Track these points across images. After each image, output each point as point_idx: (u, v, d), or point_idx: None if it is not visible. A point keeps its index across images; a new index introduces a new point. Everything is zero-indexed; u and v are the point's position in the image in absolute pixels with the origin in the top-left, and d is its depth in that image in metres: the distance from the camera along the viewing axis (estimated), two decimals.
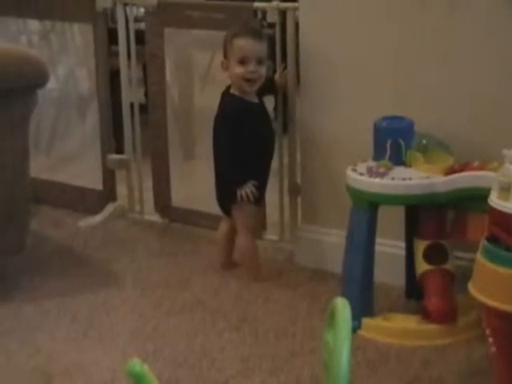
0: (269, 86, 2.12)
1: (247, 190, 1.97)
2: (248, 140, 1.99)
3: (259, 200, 2.05)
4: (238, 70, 1.97)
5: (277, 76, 2.17)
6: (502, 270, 1.34)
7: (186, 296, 1.99)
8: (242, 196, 1.97)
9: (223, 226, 2.12)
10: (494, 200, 1.35)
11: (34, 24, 2.78)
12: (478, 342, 1.70)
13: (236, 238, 2.08)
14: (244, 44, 1.97)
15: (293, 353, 1.72)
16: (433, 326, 1.75)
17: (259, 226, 2.16)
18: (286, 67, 2.15)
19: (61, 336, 1.81)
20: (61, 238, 2.37)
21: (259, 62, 1.97)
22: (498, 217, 1.34)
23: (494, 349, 1.39)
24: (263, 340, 1.78)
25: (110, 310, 1.93)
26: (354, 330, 1.77)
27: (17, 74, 1.93)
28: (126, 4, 2.41)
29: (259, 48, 1.98)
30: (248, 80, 1.98)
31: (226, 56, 2.01)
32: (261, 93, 2.08)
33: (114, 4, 2.41)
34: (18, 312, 1.92)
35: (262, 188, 2.06)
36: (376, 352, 1.72)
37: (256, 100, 2.04)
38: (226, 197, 2.06)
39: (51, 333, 1.82)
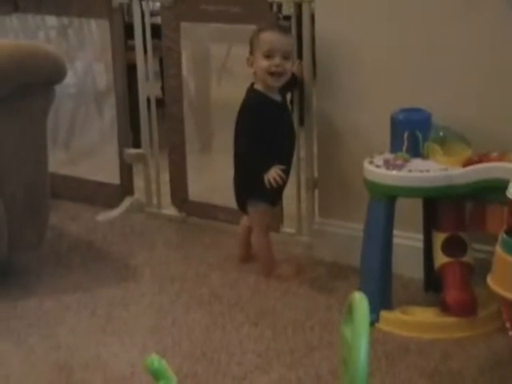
0: (291, 82, 2.11)
1: (274, 174, 1.92)
2: (268, 137, 1.97)
3: (273, 197, 2.04)
4: (264, 63, 1.96)
5: (294, 68, 2.16)
6: None
7: (204, 290, 2.00)
8: (269, 181, 1.92)
9: (245, 221, 2.12)
10: None
11: (51, 20, 2.79)
12: (498, 335, 1.69)
13: (252, 234, 2.08)
14: (270, 37, 1.96)
15: (311, 347, 1.72)
16: (452, 319, 1.74)
17: (274, 224, 2.15)
18: (301, 60, 2.14)
19: (81, 330, 1.83)
20: (79, 233, 2.39)
21: (285, 56, 1.96)
22: None
23: None
24: (281, 334, 1.78)
25: (129, 304, 1.94)
26: (373, 323, 1.76)
27: (35, 70, 1.94)
28: None
29: (285, 42, 1.97)
30: (273, 74, 1.97)
31: (251, 52, 2.00)
32: (284, 89, 2.07)
33: None
34: (38, 306, 1.94)
35: (279, 189, 2.04)
36: (395, 345, 1.71)
37: (279, 98, 2.03)
38: (241, 193, 2.05)
39: (71, 327, 1.84)
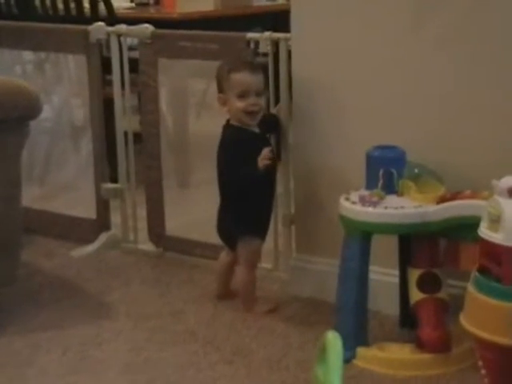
0: (272, 123, 2.11)
1: (264, 155, 1.92)
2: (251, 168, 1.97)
3: (264, 232, 2.05)
4: (239, 104, 1.97)
5: (275, 111, 2.17)
6: (492, 301, 1.33)
7: (179, 327, 1.98)
8: (264, 163, 1.92)
9: (224, 257, 2.10)
10: (484, 231, 1.35)
11: (28, 54, 2.79)
12: (472, 372, 1.67)
13: (237, 270, 2.06)
14: (242, 78, 1.96)
15: None
16: (427, 356, 1.73)
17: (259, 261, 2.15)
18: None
19: (52, 370, 1.79)
20: (53, 269, 2.36)
21: (258, 94, 1.98)
22: (488, 248, 1.33)
23: (486, 381, 1.38)
24: (256, 372, 1.76)
25: (102, 343, 1.91)
26: (349, 360, 1.76)
27: (9, 106, 1.93)
28: (119, 35, 2.42)
29: (257, 80, 1.98)
30: (250, 113, 1.98)
31: (221, 90, 2.01)
32: (266, 130, 2.07)
33: (108, 35, 2.43)
34: (8, 345, 1.90)
35: (268, 222, 2.06)
36: (371, 382, 1.70)
37: (257, 130, 2.04)
38: (232, 230, 2.04)
39: (42, 367, 1.80)
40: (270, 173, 2.02)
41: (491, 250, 1.33)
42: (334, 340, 1.22)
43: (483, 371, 1.36)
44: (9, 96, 1.93)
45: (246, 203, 2.00)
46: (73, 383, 1.74)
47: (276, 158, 2.00)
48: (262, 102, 2.00)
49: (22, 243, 2.08)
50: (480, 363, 1.37)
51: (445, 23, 1.83)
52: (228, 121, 2.03)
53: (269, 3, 3.73)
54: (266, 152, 1.94)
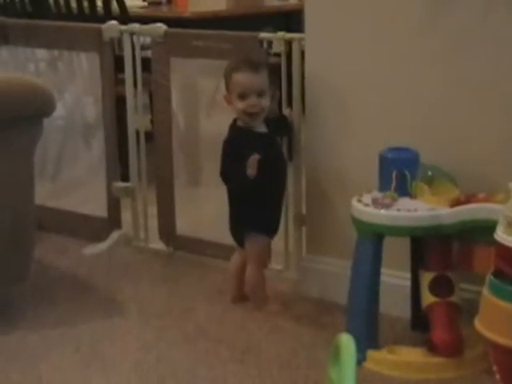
0: (283, 125, 2.11)
1: (249, 163, 1.89)
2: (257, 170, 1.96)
3: (272, 229, 2.04)
4: (240, 104, 1.96)
5: (287, 112, 2.16)
6: (508, 305, 1.32)
7: (189, 325, 1.98)
8: (249, 172, 1.90)
9: (236, 258, 2.09)
10: (501, 235, 1.34)
11: (41, 52, 2.80)
12: (485, 376, 1.67)
13: (246, 269, 2.06)
14: (242, 78, 1.94)
15: None
16: (438, 360, 1.73)
17: (269, 260, 2.14)
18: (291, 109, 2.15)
19: (64, 366, 1.80)
20: (65, 266, 2.37)
21: (260, 94, 1.95)
22: (505, 252, 1.33)
23: None
24: (267, 371, 1.76)
25: (114, 339, 1.92)
26: (359, 362, 1.75)
27: (23, 104, 1.94)
28: (132, 33, 2.43)
29: (258, 81, 1.95)
30: (250, 114, 1.97)
31: (228, 90, 2.01)
32: (276, 132, 2.07)
33: (121, 33, 2.43)
34: (21, 341, 1.91)
35: (276, 220, 2.05)
36: None
37: (263, 129, 2.03)
38: (239, 227, 2.04)
39: (55, 362, 1.81)
40: (266, 175, 1.98)
41: (508, 254, 1.33)
42: (347, 342, 1.21)
43: (498, 376, 1.36)
44: (23, 94, 1.94)
45: (247, 200, 1.99)
46: (84, 379, 1.74)
47: (265, 165, 1.94)
48: (264, 102, 1.96)
49: (35, 240, 2.09)
50: (495, 368, 1.36)
51: (456, 24, 1.83)
52: (235, 120, 2.03)
53: (280, 3, 3.73)
54: (250, 161, 1.91)
